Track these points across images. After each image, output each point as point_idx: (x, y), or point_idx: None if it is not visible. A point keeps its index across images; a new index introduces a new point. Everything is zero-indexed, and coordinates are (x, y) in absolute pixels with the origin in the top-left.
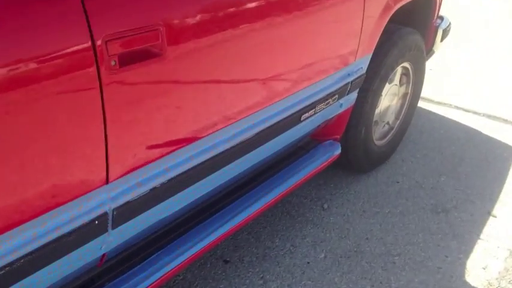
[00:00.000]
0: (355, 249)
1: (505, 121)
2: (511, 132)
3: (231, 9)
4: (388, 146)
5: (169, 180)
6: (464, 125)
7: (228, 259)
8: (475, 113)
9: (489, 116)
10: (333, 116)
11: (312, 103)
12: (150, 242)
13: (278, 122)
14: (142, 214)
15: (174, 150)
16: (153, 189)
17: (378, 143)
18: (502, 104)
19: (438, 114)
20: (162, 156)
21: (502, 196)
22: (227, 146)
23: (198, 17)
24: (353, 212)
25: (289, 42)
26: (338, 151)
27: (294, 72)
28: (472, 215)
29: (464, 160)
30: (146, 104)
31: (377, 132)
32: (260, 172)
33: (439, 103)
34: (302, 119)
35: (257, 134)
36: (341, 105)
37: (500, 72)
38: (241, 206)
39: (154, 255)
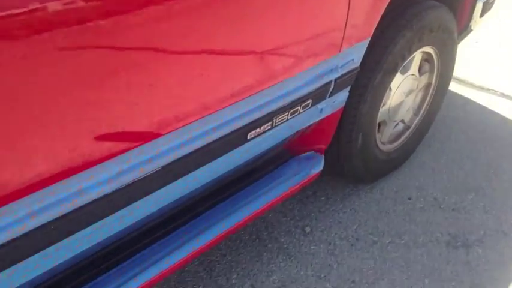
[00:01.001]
0: None
1: None
2: None
3: None
4: (402, 151)
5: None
6: (510, 121)
7: None
8: None
9: None
10: (308, 125)
11: (267, 114)
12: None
13: (207, 145)
14: None
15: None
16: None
17: (386, 147)
18: None
19: (478, 104)
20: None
21: None
22: (127, 180)
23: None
24: (342, 239)
25: (222, 27)
26: (319, 168)
27: (234, 72)
28: (502, 255)
29: (504, 171)
30: None
31: (386, 134)
32: (200, 199)
33: (481, 88)
34: (249, 137)
35: (165, 167)
36: (321, 110)
37: None
38: (163, 250)
39: None
